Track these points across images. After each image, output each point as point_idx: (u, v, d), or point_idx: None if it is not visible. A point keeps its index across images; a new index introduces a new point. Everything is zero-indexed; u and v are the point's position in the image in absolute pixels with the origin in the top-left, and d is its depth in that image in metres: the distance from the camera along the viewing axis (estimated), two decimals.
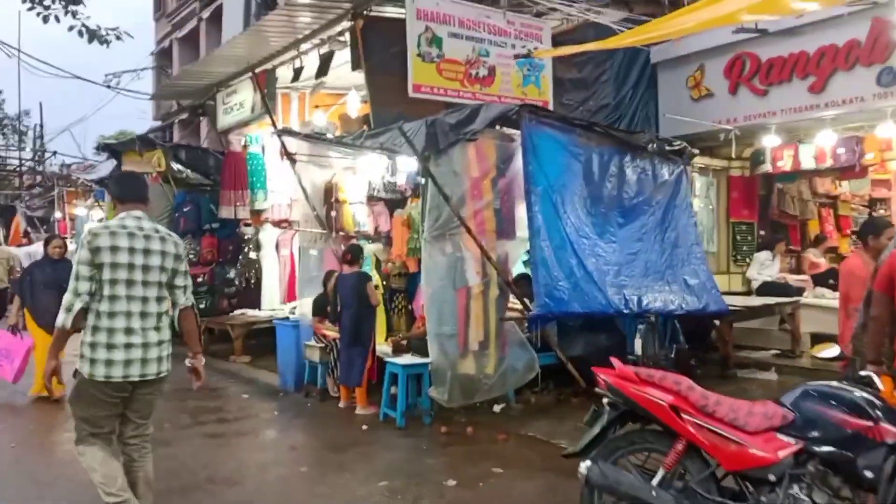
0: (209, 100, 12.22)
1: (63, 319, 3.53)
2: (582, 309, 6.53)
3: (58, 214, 20.20)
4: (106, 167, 17.74)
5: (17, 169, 32.52)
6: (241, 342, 10.52)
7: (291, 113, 12.73)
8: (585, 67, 9.66)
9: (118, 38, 8.50)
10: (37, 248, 17.63)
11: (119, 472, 3.62)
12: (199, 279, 12.15)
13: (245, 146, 12.12)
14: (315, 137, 7.96)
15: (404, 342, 7.12)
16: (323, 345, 7.58)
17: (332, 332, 7.53)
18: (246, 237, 12.12)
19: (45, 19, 7.95)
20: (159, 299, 3.72)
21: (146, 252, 3.65)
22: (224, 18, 18.36)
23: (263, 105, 10.21)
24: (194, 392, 5.63)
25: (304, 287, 8.29)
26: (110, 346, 3.55)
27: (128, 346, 3.57)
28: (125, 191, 3.85)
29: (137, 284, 3.61)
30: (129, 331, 3.58)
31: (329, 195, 8.03)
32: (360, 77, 10.74)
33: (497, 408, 6.83)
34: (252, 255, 12.18)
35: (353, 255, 7.28)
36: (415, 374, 6.61)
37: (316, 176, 8.01)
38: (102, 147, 13.28)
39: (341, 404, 7.26)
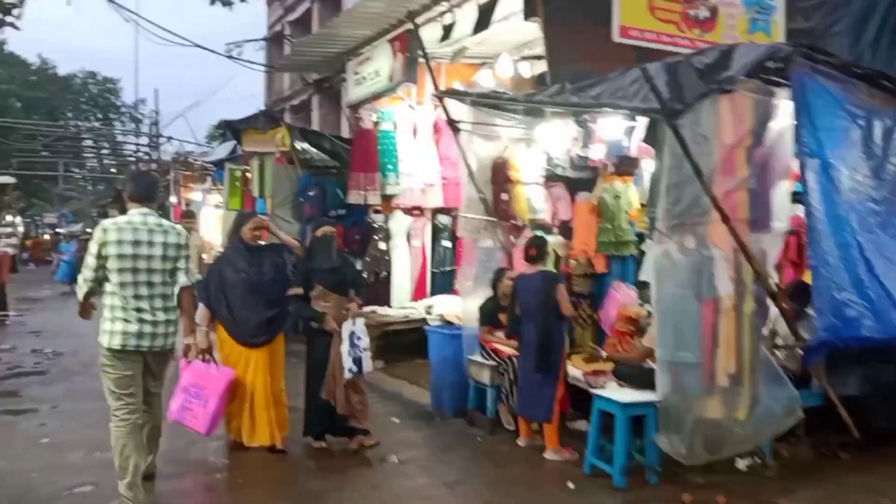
0: (338, 71, 10.87)
1: (78, 294, 4.28)
2: (881, 333, 4.62)
3: (173, 199, 19.64)
4: (224, 148, 16.92)
5: (134, 154, 32.98)
6: (374, 345, 9.12)
7: (426, 86, 11.27)
8: (815, 14, 7.60)
9: None
10: None
11: (135, 461, 4.16)
12: None
13: (376, 123, 10.71)
14: (494, 97, 6.32)
15: (605, 365, 5.43)
16: (494, 363, 5.97)
17: (506, 347, 5.92)
18: (376, 225, 10.71)
19: None
20: (164, 283, 4.30)
21: (150, 244, 4.23)
22: None
23: (406, 70, 8.71)
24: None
25: (467, 287, 6.68)
26: (125, 321, 4.18)
27: (140, 321, 4.18)
28: (138, 191, 4.42)
29: (142, 272, 4.21)
30: (139, 310, 4.19)
31: (497, 174, 6.37)
32: (512, 38, 9.17)
33: (742, 464, 5.01)
34: (382, 245, 10.77)
35: (538, 250, 5.63)
36: (634, 415, 4.87)
37: (481, 150, 6.38)
38: (223, 125, 12.17)
39: (521, 442, 5.64)
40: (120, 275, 4.17)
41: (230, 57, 13.94)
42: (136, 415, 4.24)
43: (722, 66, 4.62)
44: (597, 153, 6.08)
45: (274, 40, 18.47)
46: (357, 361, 5.34)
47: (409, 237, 10.94)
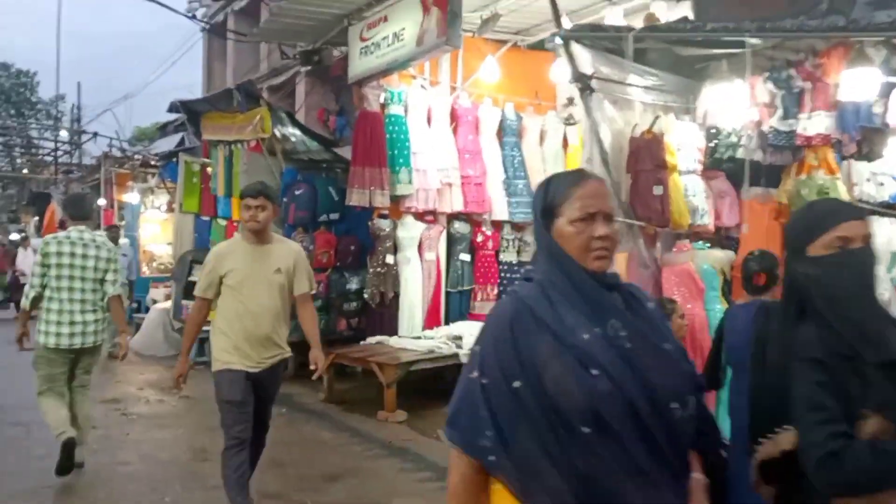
0: (332, 41, 8.62)
1: (23, 303, 4.97)
2: None
3: (101, 202, 16.75)
4: (168, 142, 14.29)
5: (53, 153, 29.43)
6: (395, 391, 6.91)
7: (441, 65, 9.17)
8: None
9: None
10: None
11: (64, 415, 4.80)
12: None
13: (384, 105, 8.52)
14: (682, 28, 4.22)
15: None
16: None
17: None
18: (382, 233, 8.49)
19: None
20: (94, 290, 4.94)
21: (84, 256, 4.90)
22: None
23: (444, 29, 6.59)
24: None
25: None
26: (58, 323, 4.83)
27: (71, 323, 4.83)
28: (75, 211, 5.25)
29: (77, 279, 4.87)
30: (71, 312, 4.84)
31: (639, 157, 4.30)
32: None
33: None
34: (389, 258, 8.55)
35: (768, 275, 3.61)
36: None
37: (616, 122, 4.31)
38: (176, 107, 9.71)
39: None
40: (58, 281, 4.83)
41: (193, 17, 11.46)
42: (61, 392, 4.89)
43: None
44: (816, 125, 4.09)
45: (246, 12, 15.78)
46: None
47: (421, 248, 8.79)
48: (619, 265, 4.54)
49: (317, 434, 6.21)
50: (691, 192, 4.44)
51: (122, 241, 13.71)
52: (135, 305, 10.87)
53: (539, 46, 9.88)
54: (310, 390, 8.03)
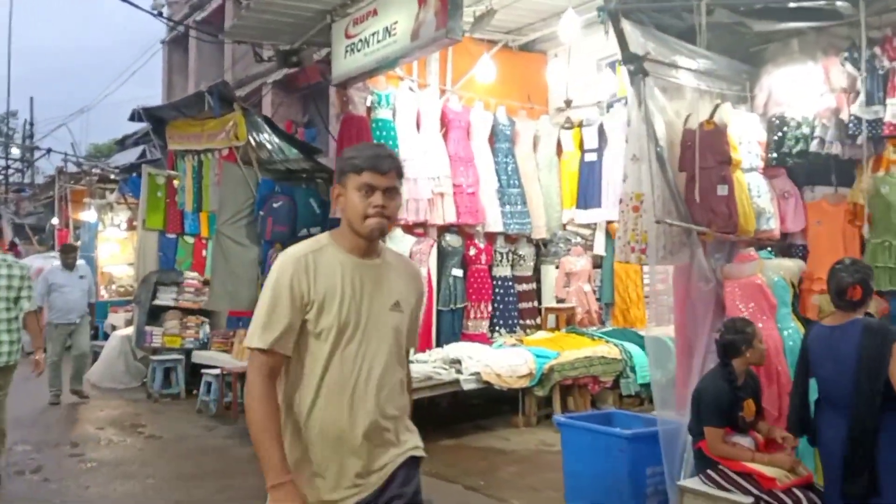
0: (312, 40, 7.89)
1: None
2: None
3: (55, 220, 15.67)
4: (126, 156, 13.36)
5: (3, 171, 27.97)
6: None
7: (429, 66, 8.50)
8: None
9: None
10: (31, 262, 13.14)
11: None
12: None
13: (370, 109, 7.83)
14: None
15: None
16: (750, 498, 3.18)
17: (771, 466, 3.19)
18: None
19: None
20: (8, 309, 5.05)
21: None
22: None
23: (444, 20, 5.95)
24: None
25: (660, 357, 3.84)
26: None
27: None
28: None
29: None
30: None
31: (694, 154, 3.66)
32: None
33: None
34: None
35: (864, 288, 2.99)
36: None
37: (666, 112, 3.68)
38: (138, 115, 8.88)
39: None
40: None
41: (160, 14, 10.63)
42: None
43: None
44: None
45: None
46: None
47: None
48: (669, 279, 3.91)
49: None
50: (755, 192, 3.83)
51: (79, 262, 12.69)
52: (92, 332, 9.85)
53: (530, 48, 9.33)
54: None
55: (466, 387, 6.70)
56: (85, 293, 8.48)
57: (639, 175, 3.69)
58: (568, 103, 8.46)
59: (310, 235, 8.18)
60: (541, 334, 8.06)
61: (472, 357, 7.03)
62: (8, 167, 28.29)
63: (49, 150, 22.60)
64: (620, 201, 3.82)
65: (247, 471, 5.67)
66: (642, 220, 3.68)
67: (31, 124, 28.55)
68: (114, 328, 10.53)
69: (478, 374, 6.75)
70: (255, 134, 8.00)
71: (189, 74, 18.81)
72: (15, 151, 29.06)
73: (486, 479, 5.42)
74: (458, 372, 6.84)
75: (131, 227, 11.91)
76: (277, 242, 7.89)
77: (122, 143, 16.61)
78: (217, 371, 7.69)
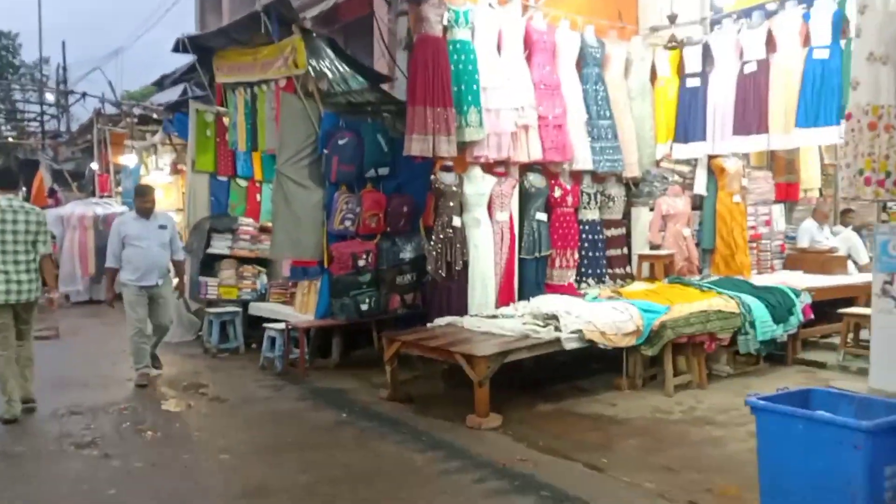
0: None
1: None
2: None
3: (94, 165, 14.99)
4: (167, 95, 12.54)
5: (39, 118, 27.50)
6: (488, 390, 5.34)
7: None
8: None
9: None
10: (71, 210, 12.54)
11: (11, 387, 5.46)
12: (361, 262, 7.00)
13: (446, 29, 6.84)
14: None
15: None
16: None
17: None
18: (448, 190, 6.88)
19: None
20: (27, 251, 5.50)
21: (14, 222, 5.44)
22: None
23: None
24: None
25: None
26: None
27: (7, 281, 5.40)
28: (2, 182, 5.63)
29: (10, 243, 5.42)
30: (6, 272, 5.40)
31: None
32: None
33: None
34: (456, 220, 6.98)
35: None
36: None
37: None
38: (181, 45, 7.98)
39: None
40: None
41: None
42: (11, 349, 5.51)
43: None
44: None
45: None
46: None
47: (491, 207, 7.22)
48: None
49: (401, 455, 4.69)
50: None
51: (121, 207, 12.09)
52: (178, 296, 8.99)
53: None
54: (363, 384, 6.52)
55: (568, 346, 5.86)
56: (166, 246, 6.69)
57: (877, 81, 2.72)
58: (672, 19, 7.35)
59: (378, 176, 7.38)
60: (639, 285, 7.16)
61: (570, 312, 6.17)
62: (43, 113, 27.80)
63: (84, 94, 21.93)
64: (849, 116, 2.88)
65: (329, 442, 4.97)
66: (881, 141, 2.73)
67: (65, 69, 27.91)
68: None
69: (580, 331, 5.91)
70: (314, 61, 7.11)
71: (222, 14, 17.88)
72: (49, 98, 28.54)
73: (606, 455, 4.64)
74: (557, 329, 6.01)
75: (176, 171, 11.18)
76: (343, 184, 7.08)
77: (161, 84, 15.79)
78: (282, 325, 6.98)
